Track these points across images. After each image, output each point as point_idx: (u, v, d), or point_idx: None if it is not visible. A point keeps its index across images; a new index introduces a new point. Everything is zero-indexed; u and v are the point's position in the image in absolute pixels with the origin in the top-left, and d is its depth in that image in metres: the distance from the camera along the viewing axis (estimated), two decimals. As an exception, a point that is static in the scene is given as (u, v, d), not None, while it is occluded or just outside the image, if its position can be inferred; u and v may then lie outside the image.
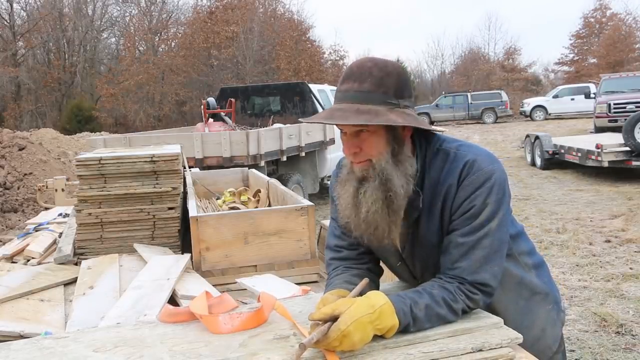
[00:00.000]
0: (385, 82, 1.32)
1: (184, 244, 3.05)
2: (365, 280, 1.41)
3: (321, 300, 1.33)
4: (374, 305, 1.21)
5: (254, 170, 4.93)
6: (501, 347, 1.24)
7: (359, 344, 1.18)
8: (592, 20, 40.23)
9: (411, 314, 1.25)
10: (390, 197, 1.33)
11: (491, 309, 1.40)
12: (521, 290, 1.52)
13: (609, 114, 14.90)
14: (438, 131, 1.46)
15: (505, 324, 1.33)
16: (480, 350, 1.22)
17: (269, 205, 3.90)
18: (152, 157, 3.01)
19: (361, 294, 1.33)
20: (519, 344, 1.28)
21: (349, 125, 1.32)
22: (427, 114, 28.36)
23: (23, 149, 7.76)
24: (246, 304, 1.69)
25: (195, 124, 9.81)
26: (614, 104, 14.90)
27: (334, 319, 1.19)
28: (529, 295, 1.54)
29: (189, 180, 3.83)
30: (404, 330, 1.25)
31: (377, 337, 1.22)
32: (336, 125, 1.36)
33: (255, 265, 2.81)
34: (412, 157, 1.39)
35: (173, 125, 20.46)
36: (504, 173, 1.39)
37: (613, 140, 9.57)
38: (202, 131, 7.93)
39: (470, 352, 1.22)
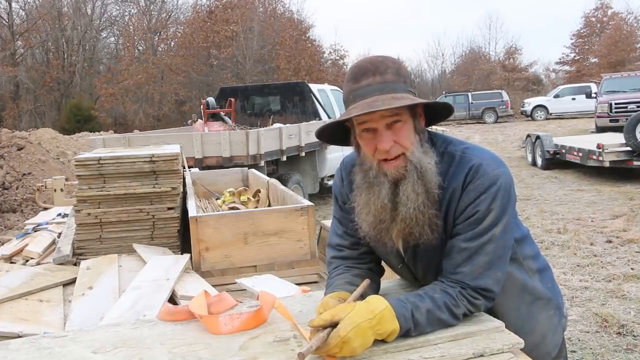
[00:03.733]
0: (402, 72, 1.34)
1: (184, 244, 3.04)
2: (366, 282, 1.40)
3: (321, 304, 1.30)
4: (373, 311, 1.19)
5: (253, 170, 4.92)
6: (502, 352, 1.22)
7: (359, 350, 1.17)
8: (594, 19, 40.25)
9: (412, 319, 1.23)
10: (430, 189, 1.31)
11: (491, 313, 1.38)
12: (523, 295, 1.50)
13: (610, 114, 14.91)
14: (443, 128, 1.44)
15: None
16: (482, 355, 1.21)
17: (269, 205, 3.89)
18: (151, 157, 3.00)
19: (362, 295, 1.32)
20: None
21: (385, 117, 1.28)
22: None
23: (22, 148, 7.75)
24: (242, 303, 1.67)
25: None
26: (615, 104, 14.91)
27: (333, 324, 1.17)
28: (531, 300, 1.51)
29: (188, 180, 3.83)
30: (405, 334, 1.23)
31: (378, 342, 1.21)
32: (360, 125, 1.32)
33: (255, 266, 2.81)
34: (431, 148, 1.37)
35: (172, 125, 20.42)
36: (510, 177, 1.36)
37: (614, 140, 9.55)
38: (201, 131, 7.92)
39: (472, 358, 1.20)
